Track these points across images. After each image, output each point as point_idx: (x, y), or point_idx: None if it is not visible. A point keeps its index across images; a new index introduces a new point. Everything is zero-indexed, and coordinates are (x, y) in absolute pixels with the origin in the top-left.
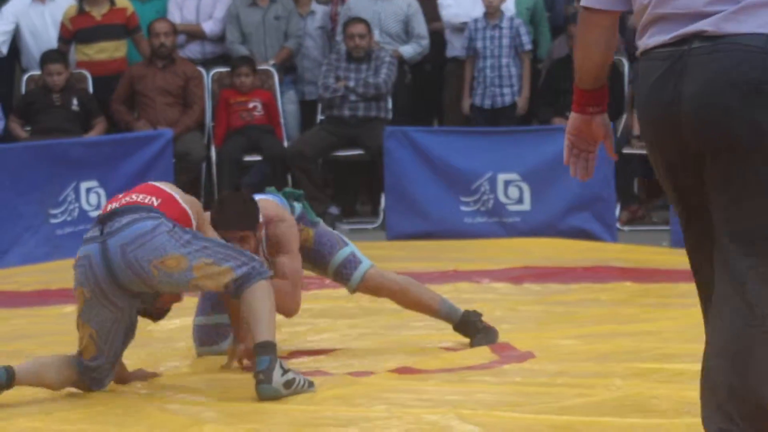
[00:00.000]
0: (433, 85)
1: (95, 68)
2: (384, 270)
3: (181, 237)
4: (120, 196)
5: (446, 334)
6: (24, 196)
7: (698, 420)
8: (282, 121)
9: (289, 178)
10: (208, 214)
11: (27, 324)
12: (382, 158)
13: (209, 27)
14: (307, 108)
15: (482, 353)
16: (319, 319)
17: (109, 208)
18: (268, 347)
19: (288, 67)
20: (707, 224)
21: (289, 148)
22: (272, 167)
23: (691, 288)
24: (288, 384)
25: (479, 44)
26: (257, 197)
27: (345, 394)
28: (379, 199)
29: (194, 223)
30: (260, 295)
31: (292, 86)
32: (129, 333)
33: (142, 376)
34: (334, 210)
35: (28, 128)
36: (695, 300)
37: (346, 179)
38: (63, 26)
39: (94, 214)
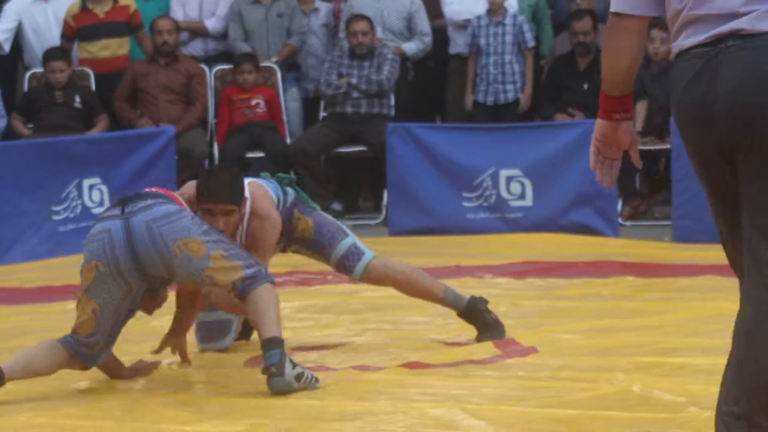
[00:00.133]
0: (435, 81)
1: (98, 65)
2: (387, 260)
3: (201, 225)
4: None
5: (450, 329)
6: (26, 194)
7: (699, 412)
8: (284, 118)
9: (292, 174)
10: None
11: (29, 321)
12: (385, 155)
13: (212, 24)
14: (310, 105)
15: (486, 348)
16: (323, 315)
17: (128, 194)
18: (277, 342)
19: (290, 64)
20: (739, 218)
21: (291, 145)
22: (275, 164)
23: (692, 282)
24: (298, 377)
25: (482, 41)
26: (251, 180)
27: (349, 388)
28: (382, 195)
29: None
30: (266, 296)
31: (294, 83)
32: (129, 315)
33: (143, 368)
34: (336, 206)
35: (31, 126)
36: (696, 294)
37: (349, 176)
38: (66, 23)
39: (97, 211)
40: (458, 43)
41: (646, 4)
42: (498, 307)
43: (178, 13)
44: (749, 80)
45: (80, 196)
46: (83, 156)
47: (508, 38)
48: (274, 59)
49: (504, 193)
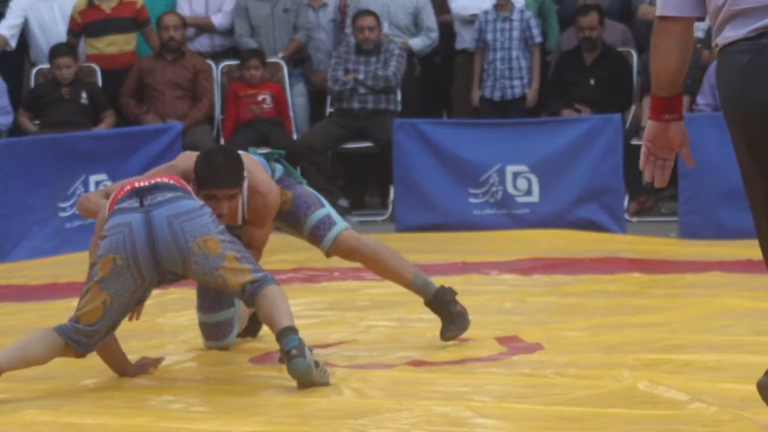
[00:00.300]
0: (442, 77)
1: (104, 61)
2: (359, 234)
3: (219, 224)
4: (139, 178)
5: None
6: (33, 190)
7: (706, 408)
8: (291, 113)
9: (299, 170)
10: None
11: (36, 318)
12: (391, 150)
13: (218, 20)
14: (316, 100)
15: (491, 345)
16: (328, 312)
17: (145, 183)
18: (294, 330)
19: (297, 60)
20: None
21: (298, 141)
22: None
23: (698, 279)
24: (316, 364)
25: (489, 36)
26: (242, 153)
27: (355, 386)
28: (388, 191)
29: None
30: (276, 293)
31: (301, 79)
32: (136, 306)
33: (147, 365)
34: (343, 202)
35: (37, 122)
36: (703, 291)
37: (355, 171)
38: (72, 19)
39: None
40: (465, 39)
41: (688, 5)
42: (504, 304)
43: (184, 8)
44: None
45: (87, 192)
46: (90, 152)
47: (515, 34)
48: (281, 55)
49: (510, 189)
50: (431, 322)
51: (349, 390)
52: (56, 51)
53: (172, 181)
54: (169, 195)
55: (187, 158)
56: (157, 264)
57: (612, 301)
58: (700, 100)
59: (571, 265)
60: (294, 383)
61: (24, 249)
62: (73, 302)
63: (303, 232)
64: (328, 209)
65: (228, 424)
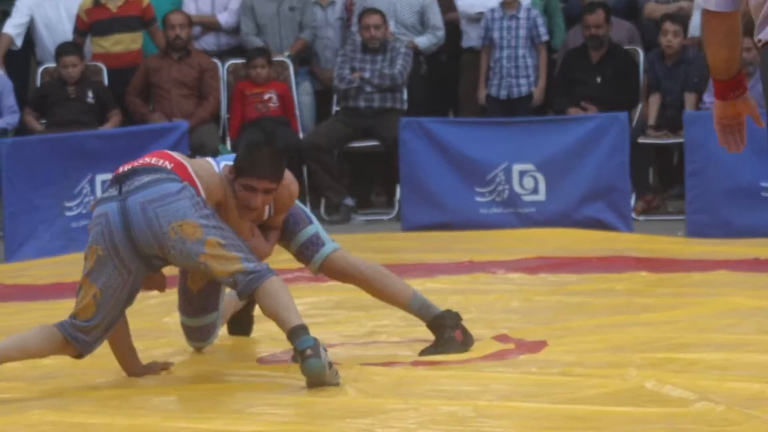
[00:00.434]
0: (448, 75)
1: (111, 60)
2: (350, 255)
3: (202, 209)
4: (132, 161)
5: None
6: (39, 189)
7: (713, 407)
8: (297, 112)
9: (305, 169)
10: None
11: (42, 317)
12: (398, 149)
13: (224, 18)
14: (323, 99)
15: (497, 344)
16: (335, 311)
17: (125, 169)
18: (305, 329)
19: (303, 58)
20: None
21: (304, 140)
22: (287, 159)
23: (705, 278)
24: (330, 365)
25: (495, 34)
26: (224, 160)
27: (361, 385)
28: (395, 190)
29: (203, 195)
30: (278, 288)
31: (307, 77)
32: (130, 299)
33: (156, 368)
34: (349, 201)
35: (44, 121)
36: (710, 290)
37: (362, 170)
38: (79, 18)
39: None
40: (471, 37)
41: (729, 1)
42: (510, 303)
43: (190, 7)
44: None
45: (93, 191)
46: (96, 151)
47: (522, 32)
48: (287, 53)
49: (517, 188)
50: None
51: (355, 389)
52: (62, 50)
53: (160, 160)
54: (146, 179)
55: (209, 173)
56: (136, 251)
57: (618, 300)
58: (707, 98)
59: (577, 264)
60: (300, 382)
61: (30, 248)
62: None
63: (289, 247)
64: (316, 227)
65: (234, 423)
